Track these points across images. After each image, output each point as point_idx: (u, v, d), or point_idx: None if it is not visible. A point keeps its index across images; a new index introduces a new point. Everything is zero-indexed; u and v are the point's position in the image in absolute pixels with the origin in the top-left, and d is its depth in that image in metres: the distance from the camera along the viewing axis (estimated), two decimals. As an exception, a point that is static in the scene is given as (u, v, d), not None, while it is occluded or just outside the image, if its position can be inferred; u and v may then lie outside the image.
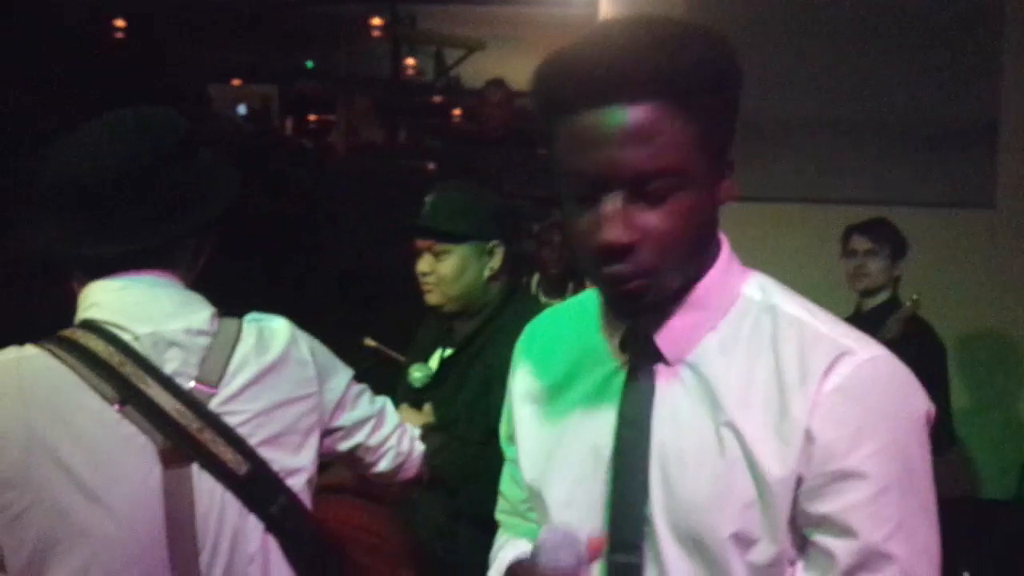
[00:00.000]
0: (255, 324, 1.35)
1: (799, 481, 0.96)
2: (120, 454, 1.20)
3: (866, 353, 0.97)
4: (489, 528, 1.31)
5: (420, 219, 2.16)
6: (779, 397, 0.98)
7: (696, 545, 1.00)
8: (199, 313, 1.30)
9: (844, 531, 0.95)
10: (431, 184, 2.24)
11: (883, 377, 0.97)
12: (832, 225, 3.43)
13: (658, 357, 1.04)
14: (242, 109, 5.90)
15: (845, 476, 0.95)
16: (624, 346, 1.06)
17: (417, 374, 2.18)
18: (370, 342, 2.45)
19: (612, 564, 1.03)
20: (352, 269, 4.26)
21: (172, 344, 1.26)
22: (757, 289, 1.05)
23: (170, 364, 1.26)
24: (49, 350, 1.23)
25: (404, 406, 2.16)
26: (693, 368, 1.03)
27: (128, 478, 1.21)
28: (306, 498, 1.33)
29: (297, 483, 1.32)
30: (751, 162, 3.99)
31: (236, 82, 6.59)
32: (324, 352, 1.41)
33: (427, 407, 2.15)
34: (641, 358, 1.05)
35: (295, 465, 1.32)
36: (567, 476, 1.07)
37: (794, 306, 1.03)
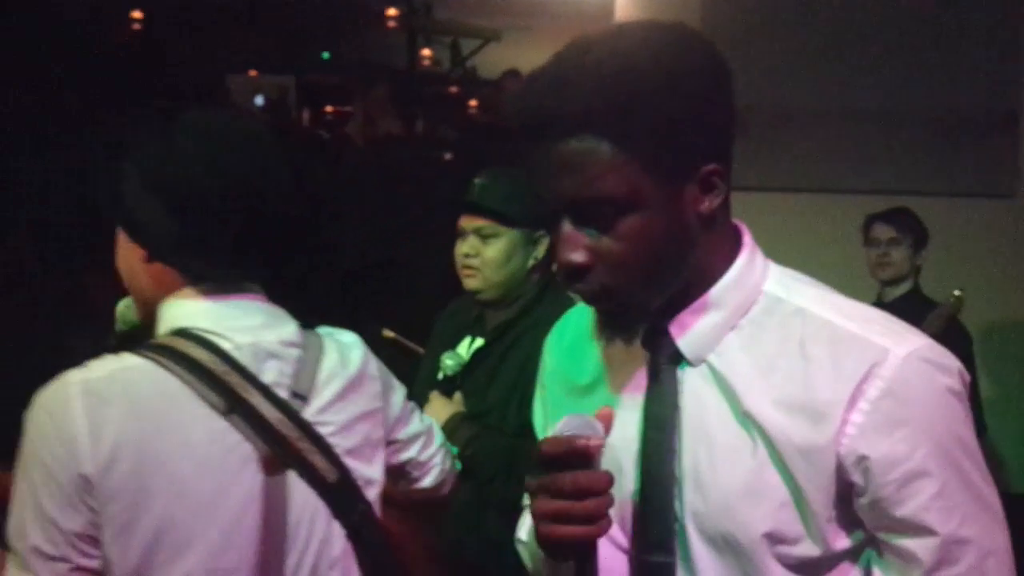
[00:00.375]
0: (332, 338, 1.38)
1: (851, 490, 0.96)
2: (226, 463, 1.22)
3: (902, 349, 0.97)
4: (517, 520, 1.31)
5: (470, 197, 2.13)
6: (811, 401, 0.98)
7: (728, 544, 1.00)
8: (288, 325, 1.33)
9: (922, 531, 0.96)
10: (447, 174, 2.22)
11: (924, 371, 0.97)
12: (852, 215, 3.41)
13: (680, 357, 1.05)
14: (260, 100, 5.92)
15: (911, 478, 0.96)
16: (645, 347, 1.07)
17: (449, 362, 2.15)
18: (388, 333, 2.45)
19: (643, 563, 1.03)
20: (367, 261, 4.27)
21: (269, 355, 1.28)
22: (780, 286, 1.05)
23: (268, 374, 1.27)
24: (152, 359, 1.22)
25: (434, 394, 2.14)
26: (716, 368, 1.04)
27: (233, 487, 1.22)
28: (377, 509, 1.36)
29: (371, 494, 1.35)
30: (771, 152, 3.97)
31: (253, 73, 6.61)
32: (384, 367, 1.44)
33: (457, 396, 2.14)
34: (663, 358, 1.05)
35: (370, 476, 1.35)
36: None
37: (823, 306, 1.03)
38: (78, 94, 5.24)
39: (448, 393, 2.14)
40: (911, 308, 3.00)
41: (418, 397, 1.81)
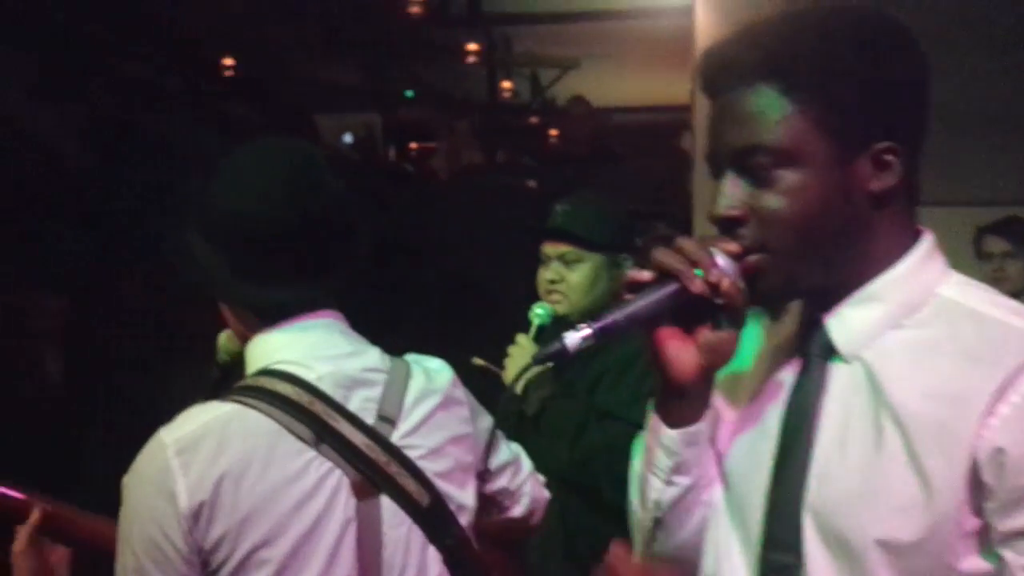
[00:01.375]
0: (418, 364, 1.40)
1: (982, 494, 0.91)
2: (320, 493, 1.24)
3: None
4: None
5: (552, 223, 2.15)
6: (958, 389, 0.94)
7: (841, 547, 0.96)
8: (371, 352, 1.35)
9: None
10: (529, 202, 2.26)
11: None
12: (960, 227, 3.30)
13: (832, 351, 1.02)
14: (348, 138, 6.08)
15: None
16: (799, 337, 1.05)
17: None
18: (478, 361, 2.48)
19: (767, 562, 1.01)
20: (453, 290, 4.33)
21: (354, 382, 1.30)
22: (958, 291, 1.01)
23: (353, 401, 1.30)
24: (239, 401, 1.26)
25: (522, 337, 2.12)
26: (869, 365, 1.00)
27: (329, 516, 1.24)
28: (471, 536, 1.37)
29: (464, 520, 1.36)
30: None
31: (339, 112, 6.79)
32: (470, 393, 1.46)
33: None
34: (815, 351, 1.03)
35: (462, 501, 1.36)
36: (734, 465, 1.06)
37: (998, 309, 0.98)
38: (180, 143, 5.46)
39: (538, 343, 2.13)
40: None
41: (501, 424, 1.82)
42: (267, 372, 1.29)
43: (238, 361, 1.46)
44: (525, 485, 1.54)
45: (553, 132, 7.30)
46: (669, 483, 1.06)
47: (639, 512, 1.12)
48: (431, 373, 1.39)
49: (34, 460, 1.56)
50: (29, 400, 4.18)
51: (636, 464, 1.14)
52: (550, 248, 2.17)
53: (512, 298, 2.34)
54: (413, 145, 6.86)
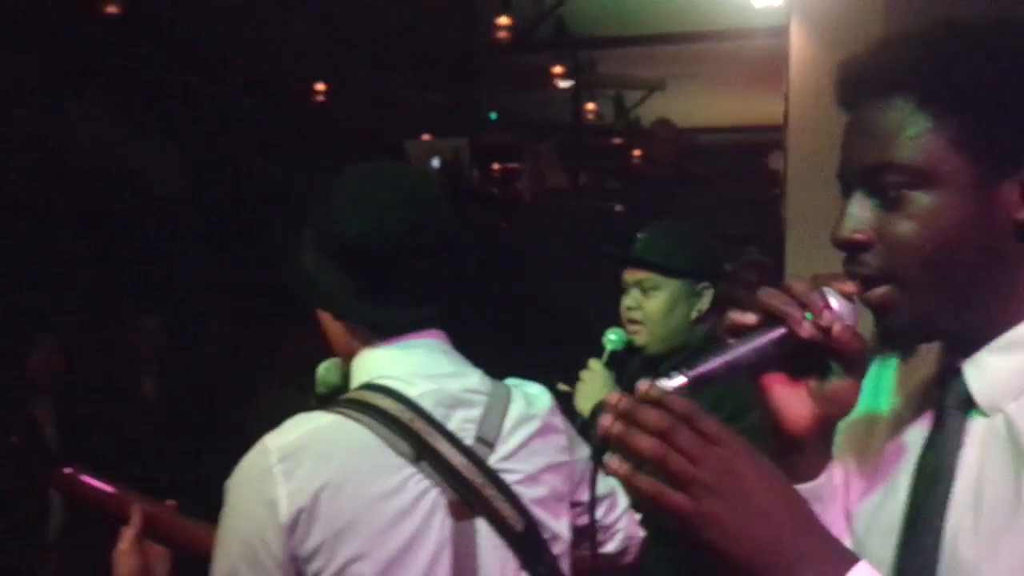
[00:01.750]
0: (518, 388, 1.39)
1: None
2: (417, 510, 1.23)
3: None
4: None
5: (633, 251, 2.15)
6: None
7: None
8: (473, 373, 1.36)
9: None
10: (614, 225, 2.26)
11: None
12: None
13: (970, 403, 0.91)
14: (436, 162, 6.15)
15: None
16: (933, 386, 0.95)
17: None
18: (563, 387, 2.46)
19: None
20: (538, 314, 4.32)
21: (455, 402, 1.30)
22: None
23: (453, 421, 1.29)
24: (343, 413, 1.26)
25: (595, 362, 2.11)
26: (1014, 422, 0.88)
27: (425, 533, 1.23)
28: (564, 565, 1.34)
29: (557, 550, 1.33)
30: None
31: (427, 137, 6.89)
32: (569, 424, 1.44)
33: (612, 375, 2.11)
34: (952, 402, 0.93)
35: (557, 531, 1.34)
36: (862, 528, 0.97)
37: None
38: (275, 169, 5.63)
39: (610, 368, 2.11)
40: None
41: None
42: (370, 387, 1.30)
43: (337, 394, 1.47)
44: (620, 521, 1.51)
45: (637, 153, 7.26)
46: None
47: None
48: (531, 398, 1.38)
49: (132, 474, 1.60)
50: (126, 419, 4.34)
51: None
52: (629, 275, 2.17)
53: (593, 321, 2.33)
54: (497, 166, 6.91)
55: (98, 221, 5.54)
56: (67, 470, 1.44)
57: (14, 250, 4.91)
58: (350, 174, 1.36)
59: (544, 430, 1.36)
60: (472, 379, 1.33)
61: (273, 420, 1.37)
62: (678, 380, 0.84)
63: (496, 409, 1.32)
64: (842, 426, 0.99)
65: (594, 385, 2.13)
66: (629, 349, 2.18)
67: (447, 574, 1.23)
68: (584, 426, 2.05)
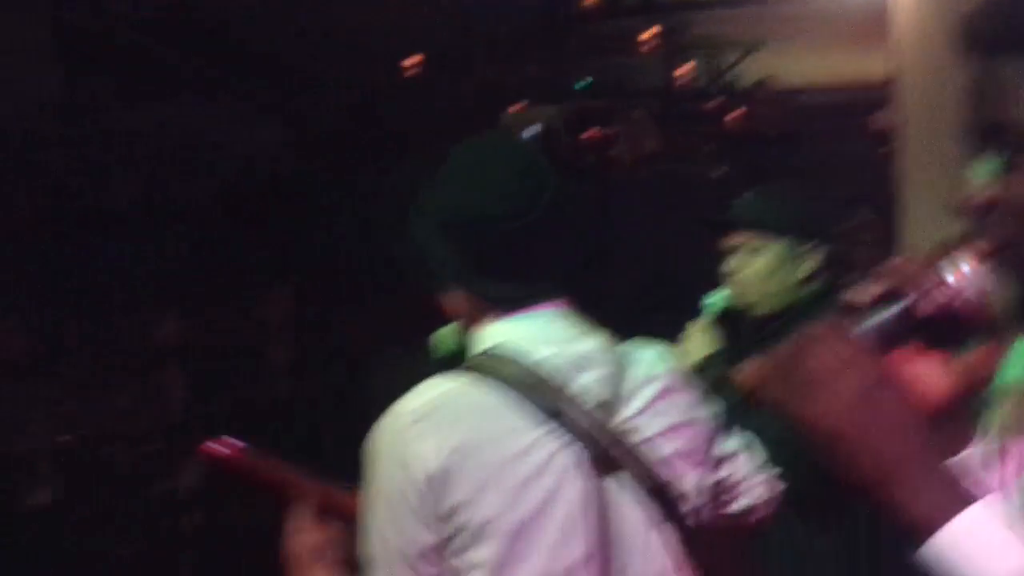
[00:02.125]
0: (641, 350, 1.40)
1: None
2: (549, 470, 1.26)
3: None
4: None
5: (737, 213, 2.15)
6: None
7: None
8: (594, 337, 1.37)
9: None
10: (712, 188, 2.26)
11: None
12: None
13: None
14: (530, 132, 6.16)
15: None
16: None
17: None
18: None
19: None
20: (639, 281, 4.33)
21: (576, 365, 1.32)
22: None
23: (575, 384, 1.31)
24: (472, 377, 1.30)
25: (699, 324, 2.12)
26: None
27: (561, 492, 1.26)
28: (693, 523, 1.36)
29: (685, 507, 1.35)
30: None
31: (523, 106, 6.90)
32: (695, 383, 1.45)
33: (716, 337, 2.12)
34: None
35: (684, 488, 1.35)
36: None
37: None
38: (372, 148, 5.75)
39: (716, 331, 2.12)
40: None
41: None
42: (493, 353, 1.32)
43: (455, 359, 1.51)
44: (748, 480, 1.50)
45: (735, 116, 7.13)
46: None
47: None
48: (653, 360, 1.40)
49: (263, 442, 1.68)
50: (257, 386, 4.49)
51: None
52: (734, 238, 2.16)
53: (696, 287, 2.33)
54: (593, 133, 6.87)
55: (231, 198, 5.75)
56: (235, 446, 1.43)
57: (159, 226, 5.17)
58: (462, 148, 1.39)
59: (667, 390, 1.37)
60: (593, 343, 1.35)
61: (392, 385, 1.42)
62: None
63: (618, 372, 1.33)
64: (995, 396, 0.96)
65: (699, 347, 2.13)
66: (731, 312, 2.18)
67: (583, 532, 1.26)
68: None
